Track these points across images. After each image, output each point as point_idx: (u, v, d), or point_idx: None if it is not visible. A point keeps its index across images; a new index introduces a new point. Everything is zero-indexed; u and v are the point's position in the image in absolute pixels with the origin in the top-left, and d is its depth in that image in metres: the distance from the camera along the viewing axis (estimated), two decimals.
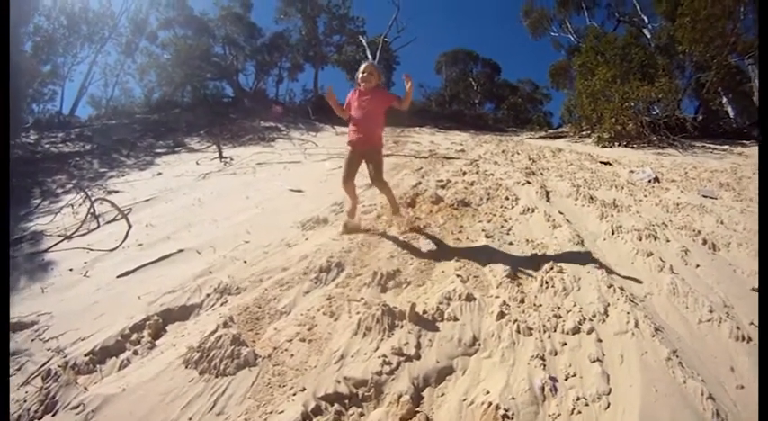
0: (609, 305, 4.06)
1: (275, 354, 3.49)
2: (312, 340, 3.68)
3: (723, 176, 10.49)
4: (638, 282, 4.74)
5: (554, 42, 37.07)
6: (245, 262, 5.46)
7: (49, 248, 7.12)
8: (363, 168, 5.87)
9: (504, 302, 4.13)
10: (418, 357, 3.42)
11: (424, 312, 3.98)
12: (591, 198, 7.91)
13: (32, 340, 4.19)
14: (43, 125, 23.18)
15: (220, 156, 15.58)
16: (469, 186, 8.73)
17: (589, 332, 3.68)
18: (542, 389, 3.01)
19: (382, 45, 34.56)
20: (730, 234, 6.28)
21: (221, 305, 4.39)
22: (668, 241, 5.90)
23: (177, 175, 13.37)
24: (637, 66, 20.48)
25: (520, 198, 7.80)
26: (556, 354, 3.46)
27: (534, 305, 4.16)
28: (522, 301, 4.22)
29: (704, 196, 8.42)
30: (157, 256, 6.08)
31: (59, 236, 7.68)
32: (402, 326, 3.76)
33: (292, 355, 3.48)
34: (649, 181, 9.82)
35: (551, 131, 27.27)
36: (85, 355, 3.62)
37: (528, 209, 7.10)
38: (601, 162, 13.03)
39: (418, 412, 2.91)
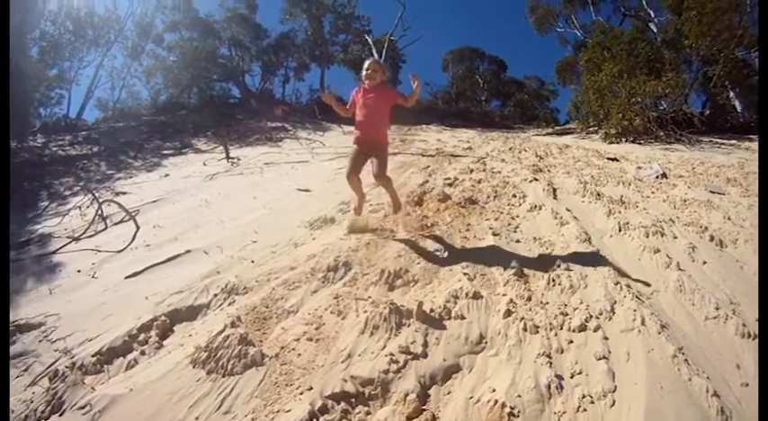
0: (615, 302, 4.05)
1: (282, 354, 3.50)
2: (319, 339, 3.69)
3: (730, 172, 10.44)
4: (645, 280, 4.72)
5: (560, 38, 37.01)
6: (252, 262, 5.47)
7: (57, 250, 7.16)
8: (368, 166, 5.85)
9: (511, 300, 4.13)
10: (425, 355, 3.43)
11: (432, 310, 3.99)
12: (598, 195, 7.90)
13: (40, 341, 4.22)
14: (50, 128, 23.26)
15: (227, 157, 15.63)
16: (477, 184, 8.73)
17: (595, 330, 3.67)
18: (548, 386, 3.01)
19: (388, 43, 34.53)
20: (737, 230, 6.25)
21: (229, 305, 4.40)
22: (675, 238, 5.89)
23: (184, 176, 13.43)
24: (643, 60, 20.40)
25: (527, 195, 7.79)
26: (562, 352, 3.46)
27: (541, 303, 4.16)
28: (529, 299, 4.21)
29: (711, 192, 8.38)
30: (165, 257, 6.11)
31: (67, 237, 7.72)
32: (409, 325, 3.77)
33: (299, 354, 3.49)
34: (657, 177, 9.79)
35: (558, 128, 27.16)
36: (93, 356, 3.64)
37: (535, 206, 7.09)
38: (608, 158, 13.00)
39: (425, 410, 2.92)
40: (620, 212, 6.89)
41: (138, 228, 7.53)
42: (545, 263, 5.04)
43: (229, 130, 22.21)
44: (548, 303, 4.15)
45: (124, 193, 11.83)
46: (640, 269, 5.03)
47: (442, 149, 14.73)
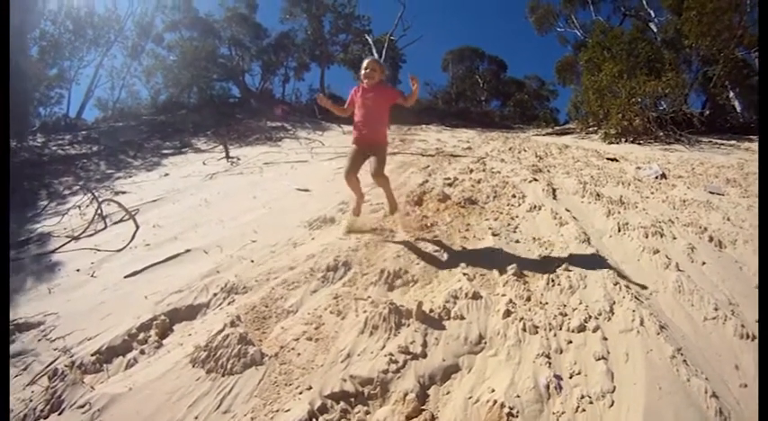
0: (614, 303, 4.06)
1: (282, 353, 3.51)
2: (319, 339, 3.70)
3: (730, 172, 10.45)
4: (644, 281, 4.73)
5: (560, 38, 37.04)
6: (252, 261, 5.47)
7: (57, 249, 7.16)
8: (366, 166, 5.84)
9: (511, 300, 4.14)
10: (424, 355, 3.43)
11: (431, 311, 3.99)
12: (597, 195, 7.91)
13: (39, 340, 4.22)
14: (50, 128, 23.27)
15: (227, 157, 15.63)
16: (476, 184, 8.74)
17: (594, 330, 3.68)
18: (547, 387, 3.02)
19: (388, 43, 34.53)
20: (737, 231, 6.26)
21: (228, 304, 4.41)
22: (674, 238, 5.89)
23: (184, 176, 13.43)
24: (643, 60, 20.42)
25: (527, 195, 7.80)
26: (561, 353, 3.46)
27: (540, 303, 4.17)
28: (529, 299, 4.22)
29: (711, 192, 8.39)
30: (164, 256, 6.11)
31: (67, 237, 7.72)
32: (409, 325, 3.77)
33: (299, 354, 3.50)
34: (656, 177, 9.80)
35: (558, 128, 27.18)
36: (92, 355, 3.64)
37: (535, 206, 7.10)
38: (607, 158, 13.02)
39: (424, 410, 2.93)
40: (619, 213, 6.90)
41: (137, 227, 7.54)
42: (544, 263, 5.05)
43: (229, 130, 22.22)
44: (547, 303, 4.16)
45: (124, 193, 11.82)
46: (639, 269, 5.04)
47: (441, 149, 14.74)
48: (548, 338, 3.61)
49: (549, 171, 10.60)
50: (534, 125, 33.52)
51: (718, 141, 16.60)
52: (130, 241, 7.04)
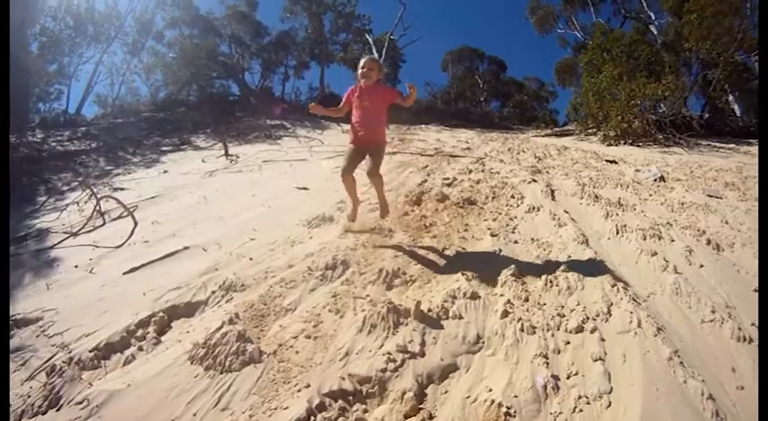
0: (612, 304, 4.05)
1: (280, 351, 3.51)
2: (317, 337, 3.70)
3: (728, 176, 10.46)
4: (642, 283, 4.74)
5: (560, 39, 37.08)
6: (250, 259, 5.48)
7: (55, 245, 7.16)
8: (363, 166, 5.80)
9: (509, 301, 4.14)
10: (423, 355, 3.44)
11: (429, 310, 3.99)
12: (596, 197, 7.92)
13: (37, 336, 4.23)
14: (49, 124, 23.26)
15: (226, 154, 15.64)
16: (475, 184, 8.75)
17: (592, 331, 3.68)
18: (545, 387, 3.03)
19: (388, 43, 34.52)
20: (735, 234, 6.27)
21: (227, 302, 4.41)
22: (672, 241, 5.90)
23: (183, 173, 13.42)
24: (643, 63, 20.46)
25: (525, 196, 7.81)
26: (559, 353, 3.46)
27: (538, 304, 4.17)
28: (527, 300, 4.22)
29: (709, 196, 8.40)
30: (163, 253, 6.12)
31: (65, 233, 7.73)
32: (407, 324, 3.78)
33: (297, 352, 3.50)
34: (655, 180, 9.81)
35: (557, 129, 27.23)
36: (90, 351, 3.65)
37: (533, 207, 7.11)
38: (606, 160, 13.03)
39: (422, 409, 2.93)
40: (617, 215, 6.91)
41: (136, 224, 7.54)
42: (542, 264, 5.06)
43: (228, 128, 22.20)
44: (545, 304, 4.16)
45: (122, 189, 11.82)
46: (637, 271, 5.04)
47: (440, 149, 14.77)
48: (545, 339, 3.61)
49: (547, 172, 10.61)
50: (533, 126, 33.61)
51: (717, 144, 16.61)
52: (129, 238, 7.04)
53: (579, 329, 3.72)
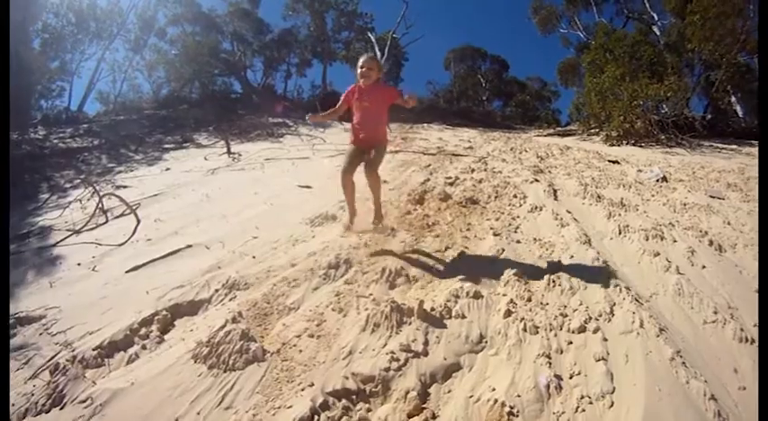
0: (615, 304, 4.06)
1: (284, 350, 3.52)
2: (320, 336, 3.71)
3: (731, 177, 10.45)
4: (645, 283, 4.74)
5: (563, 39, 37.11)
6: (253, 257, 5.49)
7: (58, 243, 7.17)
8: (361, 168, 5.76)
9: (512, 300, 4.14)
10: (426, 354, 3.44)
11: (432, 309, 4.00)
12: (598, 197, 7.92)
13: (40, 334, 4.24)
14: (51, 121, 23.28)
15: (228, 152, 15.62)
16: (478, 184, 8.77)
17: (595, 331, 3.68)
18: (547, 387, 3.03)
19: (391, 41, 34.49)
20: (737, 235, 6.27)
21: (230, 300, 4.42)
22: (675, 241, 5.90)
23: (185, 171, 13.42)
24: (646, 63, 20.44)
25: (528, 196, 7.82)
26: (561, 353, 3.47)
27: (541, 303, 4.17)
28: (529, 300, 4.22)
29: (711, 196, 8.40)
30: (166, 251, 6.12)
31: (68, 230, 7.73)
32: (410, 323, 3.78)
33: (301, 351, 3.51)
34: (657, 180, 9.81)
35: (560, 129, 27.24)
36: (94, 349, 3.64)
37: (536, 207, 7.11)
38: (609, 160, 13.02)
39: (425, 408, 2.94)
40: (620, 215, 6.91)
41: (138, 221, 7.54)
42: (545, 264, 5.05)
43: (231, 125, 22.20)
44: (547, 304, 4.16)
45: (125, 187, 11.82)
46: (640, 272, 5.05)
47: (443, 148, 14.78)
48: (548, 338, 3.61)
49: (550, 172, 10.61)
50: (536, 126, 33.61)
51: (720, 145, 16.61)
52: (132, 236, 7.05)
53: (582, 329, 3.72)
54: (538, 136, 23.23)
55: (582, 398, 2.97)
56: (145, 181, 12.56)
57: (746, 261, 5.44)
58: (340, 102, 5.83)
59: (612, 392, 3.02)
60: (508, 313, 3.94)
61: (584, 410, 2.88)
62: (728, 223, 6.76)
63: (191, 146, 19.02)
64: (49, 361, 3.64)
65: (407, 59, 40.24)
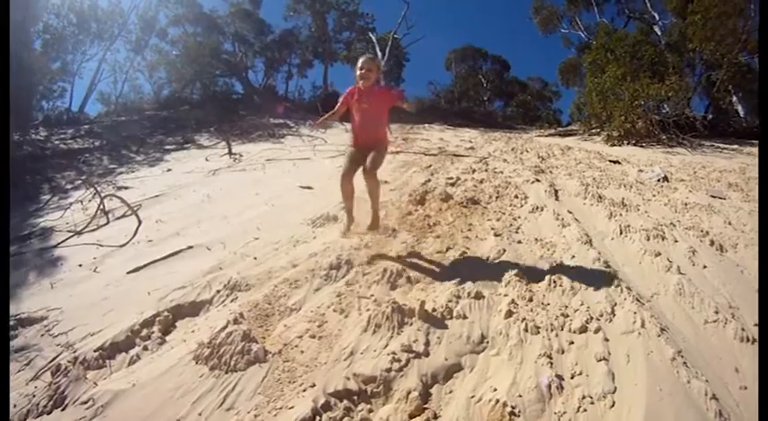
0: (616, 304, 4.06)
1: (285, 351, 3.52)
2: (322, 337, 3.71)
3: (732, 176, 10.45)
4: (646, 283, 4.75)
5: (564, 39, 37.03)
6: (254, 258, 5.49)
7: (59, 244, 7.18)
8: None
9: (513, 301, 4.15)
10: (427, 354, 3.44)
11: (434, 310, 4.00)
12: (599, 197, 7.92)
13: (42, 335, 4.24)
14: (52, 122, 23.30)
15: (230, 153, 15.63)
16: (479, 184, 8.77)
17: (596, 331, 3.69)
18: (549, 387, 3.03)
19: (392, 41, 34.50)
20: (738, 235, 6.27)
21: (231, 301, 4.42)
22: (676, 241, 5.90)
23: (187, 172, 13.43)
24: (647, 63, 20.42)
25: (529, 196, 7.82)
26: (563, 353, 3.47)
27: (542, 304, 4.17)
28: (531, 300, 4.23)
29: (713, 196, 8.40)
30: (167, 253, 6.13)
31: (69, 231, 7.73)
32: (411, 324, 3.78)
33: (302, 352, 3.51)
34: (658, 180, 9.80)
35: (561, 129, 27.21)
36: (95, 350, 3.65)
37: (537, 207, 7.11)
38: (610, 160, 13.01)
39: (426, 409, 2.94)
40: (621, 215, 6.92)
41: (140, 222, 7.55)
42: (546, 264, 5.05)
43: (232, 126, 22.20)
44: (549, 304, 4.17)
45: (126, 188, 11.83)
46: (641, 272, 5.05)
47: (444, 149, 14.79)
48: (549, 339, 3.61)
49: (551, 172, 10.62)
50: (537, 126, 33.54)
51: (721, 145, 16.59)
52: (133, 237, 7.06)
53: (583, 329, 3.73)
54: (539, 136, 23.22)
55: (583, 398, 2.97)
56: (146, 182, 12.57)
57: (747, 261, 5.44)
58: (339, 103, 5.75)
59: (614, 392, 3.02)
60: (509, 313, 3.95)
61: (585, 410, 2.89)
62: (730, 223, 6.76)
63: (192, 147, 19.03)
64: (50, 362, 3.64)
65: (408, 60, 40.36)
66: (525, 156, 13.69)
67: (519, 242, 5.80)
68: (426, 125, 24.81)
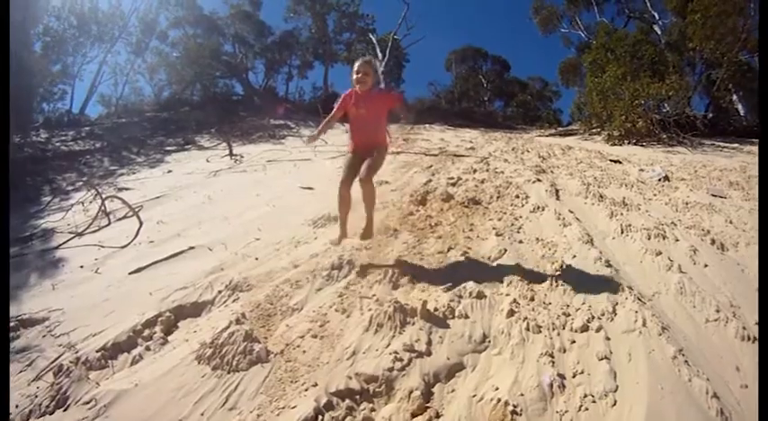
0: (617, 303, 4.06)
1: (287, 350, 3.53)
2: (324, 336, 3.72)
3: (732, 175, 10.45)
4: (647, 282, 4.75)
5: (564, 39, 37.02)
6: (256, 259, 5.50)
7: (60, 245, 7.19)
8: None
9: (515, 300, 4.15)
10: (429, 354, 3.44)
11: (435, 309, 4.00)
12: (600, 196, 7.92)
13: (44, 336, 4.25)
14: (53, 124, 23.35)
15: (230, 154, 15.67)
16: (480, 184, 8.77)
17: (597, 330, 3.68)
18: (551, 385, 3.03)
19: (392, 42, 34.51)
20: (739, 234, 6.27)
21: (233, 301, 4.43)
22: (677, 240, 5.90)
23: (187, 173, 13.45)
24: (647, 63, 20.43)
25: (530, 196, 7.81)
26: (564, 352, 3.47)
27: (544, 303, 4.17)
28: (532, 299, 4.23)
29: (713, 195, 8.40)
30: (168, 253, 6.15)
31: (70, 233, 7.75)
32: (413, 323, 3.79)
33: (304, 351, 3.52)
34: (659, 179, 9.80)
35: (561, 129, 27.20)
36: (97, 351, 3.66)
37: (538, 207, 7.11)
38: (611, 160, 13.01)
39: (428, 408, 2.94)
40: (622, 214, 6.91)
41: (141, 223, 7.55)
42: (548, 263, 5.05)
43: (232, 127, 22.25)
44: (550, 303, 4.17)
45: (127, 189, 11.86)
46: (642, 271, 5.04)
47: (445, 149, 14.79)
48: (551, 338, 3.61)
49: (552, 172, 10.61)
50: (537, 126, 33.50)
51: (721, 144, 16.58)
52: (134, 238, 7.07)
53: (584, 328, 3.72)
54: (539, 136, 23.21)
55: (585, 396, 2.98)
56: (147, 183, 12.61)
57: (748, 259, 5.43)
58: (335, 108, 5.53)
59: (615, 391, 3.02)
60: (511, 313, 3.95)
61: (587, 409, 2.89)
62: (730, 222, 6.76)
63: (192, 148, 19.07)
64: (52, 363, 3.65)
65: (409, 61, 40.43)
66: (526, 155, 13.68)
67: (520, 242, 5.80)
68: (427, 125, 24.82)
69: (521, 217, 6.76)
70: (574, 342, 3.59)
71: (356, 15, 36.33)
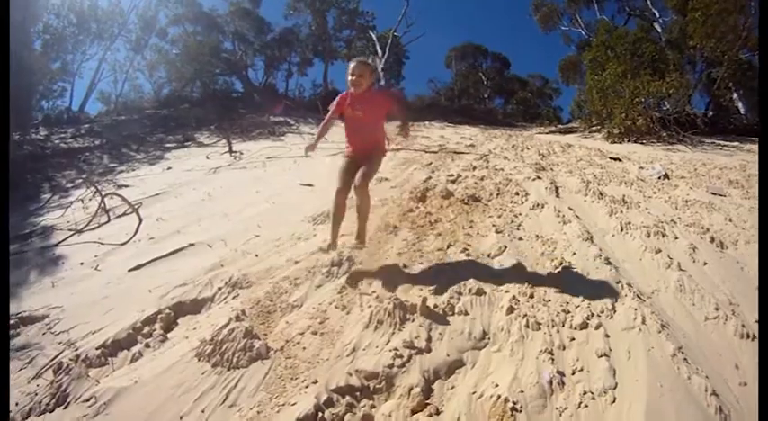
0: (616, 301, 4.06)
1: (287, 347, 3.53)
2: (324, 333, 3.72)
3: (732, 173, 10.46)
4: (646, 280, 4.75)
5: (564, 36, 37.02)
6: (256, 256, 5.50)
7: (60, 242, 7.19)
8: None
9: (514, 297, 4.15)
10: (429, 350, 3.45)
11: (435, 306, 4.00)
12: (600, 194, 7.92)
13: (43, 333, 4.25)
14: (53, 121, 23.35)
15: (230, 151, 15.66)
16: (480, 181, 8.77)
17: (597, 327, 3.69)
18: (550, 382, 3.04)
19: (392, 39, 34.49)
20: (738, 232, 6.27)
21: (233, 298, 4.43)
22: (676, 238, 5.90)
23: (187, 170, 13.45)
24: (647, 61, 20.41)
25: (530, 193, 7.82)
26: (564, 349, 3.47)
27: (543, 300, 4.17)
28: (532, 296, 4.23)
29: (713, 193, 8.40)
30: (168, 250, 6.14)
31: (70, 230, 7.74)
32: (413, 320, 3.79)
33: (304, 348, 3.52)
34: (659, 177, 9.81)
35: (561, 126, 27.17)
36: (97, 348, 3.65)
37: (538, 204, 7.11)
38: (610, 158, 13.02)
39: (429, 404, 2.94)
40: (621, 212, 6.92)
41: (140, 220, 7.56)
42: (547, 260, 5.06)
43: (232, 124, 22.19)
44: (550, 300, 4.17)
45: (126, 186, 11.87)
46: (641, 269, 5.05)
47: (444, 146, 14.82)
48: (551, 335, 3.62)
49: (552, 169, 10.62)
50: (537, 123, 33.44)
51: (721, 142, 16.59)
52: (134, 235, 7.07)
53: (584, 325, 3.73)
54: (539, 133, 23.23)
55: (584, 393, 2.98)
56: (146, 180, 12.60)
57: (748, 257, 5.44)
58: (331, 111, 5.46)
59: (615, 388, 3.02)
60: (511, 310, 3.95)
61: (586, 406, 2.89)
62: (730, 220, 6.76)
63: (192, 145, 19.07)
64: (52, 360, 3.65)
65: (408, 58, 40.40)
66: (526, 153, 13.70)
67: (520, 239, 5.80)
68: (427, 123, 24.85)
69: (520, 214, 6.77)
70: (573, 339, 3.59)
71: (356, 12, 36.30)
